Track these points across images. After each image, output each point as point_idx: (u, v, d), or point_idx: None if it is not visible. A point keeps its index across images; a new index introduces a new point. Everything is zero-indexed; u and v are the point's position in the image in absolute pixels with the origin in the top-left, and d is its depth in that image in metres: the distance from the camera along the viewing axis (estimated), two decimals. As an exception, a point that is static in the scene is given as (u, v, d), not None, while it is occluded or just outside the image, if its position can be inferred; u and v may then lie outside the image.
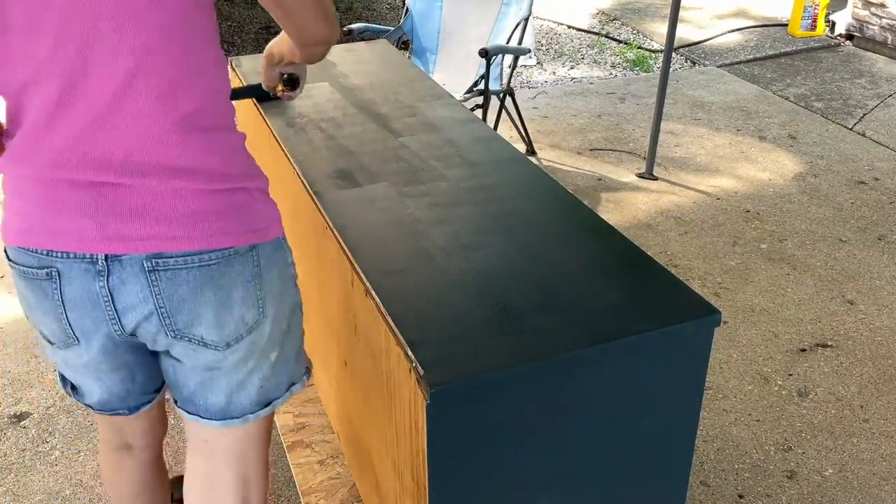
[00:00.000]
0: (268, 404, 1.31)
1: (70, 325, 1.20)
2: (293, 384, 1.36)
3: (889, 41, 5.26)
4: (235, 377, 1.25)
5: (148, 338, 1.21)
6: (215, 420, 1.28)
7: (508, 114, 3.91)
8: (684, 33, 5.78)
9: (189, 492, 1.41)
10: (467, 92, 3.62)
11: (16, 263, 1.18)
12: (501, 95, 3.73)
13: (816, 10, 5.60)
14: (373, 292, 1.25)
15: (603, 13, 6.43)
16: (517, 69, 5.11)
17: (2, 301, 2.89)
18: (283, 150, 1.74)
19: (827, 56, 5.39)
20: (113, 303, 1.15)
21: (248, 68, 2.20)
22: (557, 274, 1.28)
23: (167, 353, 1.25)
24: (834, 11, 5.69)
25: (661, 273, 1.29)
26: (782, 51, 5.46)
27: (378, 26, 3.87)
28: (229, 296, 1.17)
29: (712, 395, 2.45)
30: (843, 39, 5.61)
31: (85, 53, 1.04)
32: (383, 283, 1.27)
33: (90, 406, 1.39)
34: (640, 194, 3.65)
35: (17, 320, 2.79)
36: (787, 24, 5.85)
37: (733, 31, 5.87)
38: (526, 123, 4.07)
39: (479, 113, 3.58)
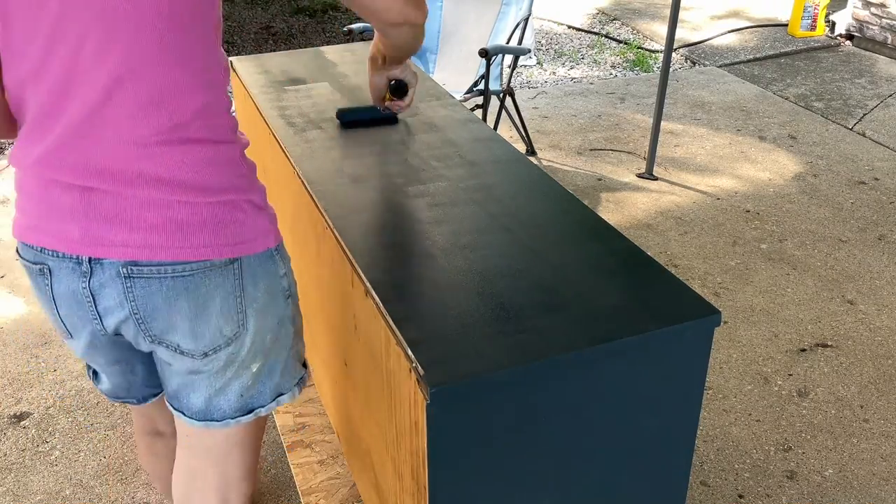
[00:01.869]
0: (250, 411, 1.31)
1: (62, 320, 1.23)
2: (280, 395, 1.34)
3: (889, 41, 5.26)
4: (215, 383, 1.25)
5: (130, 339, 1.22)
6: (196, 420, 1.29)
7: (508, 114, 3.91)
8: (684, 33, 5.78)
9: (174, 482, 1.44)
10: (467, 92, 3.62)
11: (21, 257, 1.22)
12: (501, 95, 3.73)
13: (816, 10, 5.60)
14: (373, 292, 1.25)
15: (603, 13, 6.43)
16: (517, 69, 5.11)
17: (2, 301, 2.89)
18: (283, 150, 1.74)
19: (827, 56, 5.39)
20: (95, 304, 1.17)
21: (247, 68, 2.20)
22: (557, 274, 1.28)
23: (154, 352, 1.26)
24: (834, 11, 5.69)
25: (661, 273, 1.29)
26: (782, 51, 5.46)
27: (378, 26, 3.87)
28: (206, 307, 1.16)
29: (712, 395, 2.45)
30: (843, 39, 5.61)
31: (76, 56, 1.04)
32: (383, 283, 1.27)
33: (104, 393, 1.43)
34: (640, 194, 3.64)
35: (17, 320, 2.79)
36: (787, 24, 5.85)
37: (733, 31, 5.87)
38: (526, 123, 4.07)
39: (479, 113, 3.58)
